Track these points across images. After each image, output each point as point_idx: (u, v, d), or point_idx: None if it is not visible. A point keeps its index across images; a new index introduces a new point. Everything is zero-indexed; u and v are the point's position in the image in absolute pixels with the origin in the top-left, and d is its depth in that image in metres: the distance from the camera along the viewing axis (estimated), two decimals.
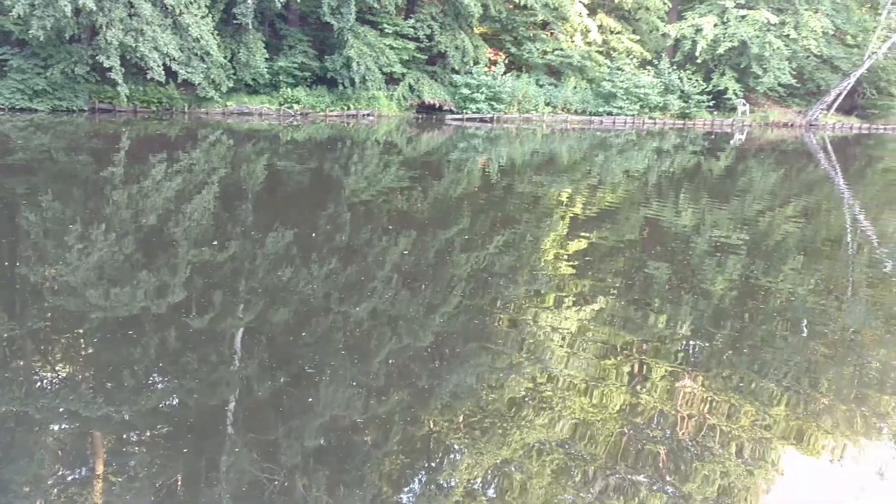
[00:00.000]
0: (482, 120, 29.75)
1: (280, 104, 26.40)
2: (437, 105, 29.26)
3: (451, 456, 4.64)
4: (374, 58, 26.46)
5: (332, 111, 27.16)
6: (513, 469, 4.56)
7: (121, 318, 6.51)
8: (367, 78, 26.40)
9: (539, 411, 5.24)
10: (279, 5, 24.59)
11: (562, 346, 6.47)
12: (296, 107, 26.45)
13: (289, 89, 26.38)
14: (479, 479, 4.44)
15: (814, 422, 5.41)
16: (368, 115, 27.64)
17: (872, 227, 14.04)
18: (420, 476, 4.46)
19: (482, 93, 29.27)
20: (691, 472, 4.66)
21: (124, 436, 4.62)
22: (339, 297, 7.37)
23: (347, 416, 5.01)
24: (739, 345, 6.88)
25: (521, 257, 9.70)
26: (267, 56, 25.35)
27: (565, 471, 4.55)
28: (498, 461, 4.62)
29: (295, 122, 25.41)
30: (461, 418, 5.08)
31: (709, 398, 5.62)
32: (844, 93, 39.10)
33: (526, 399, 5.43)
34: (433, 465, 4.56)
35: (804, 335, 7.27)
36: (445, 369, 5.90)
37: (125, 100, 23.32)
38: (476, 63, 29.66)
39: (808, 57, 37.39)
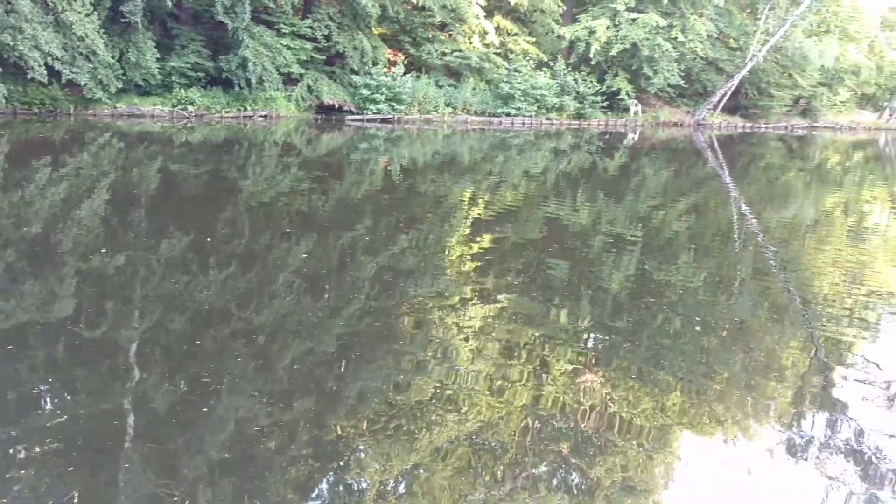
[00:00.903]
0: (383, 120, 29.67)
1: (173, 105, 25.53)
2: (337, 106, 28.98)
3: (359, 460, 4.60)
4: (271, 58, 25.97)
5: (228, 112, 26.47)
6: (422, 469, 4.56)
7: (3, 331, 6.14)
8: (263, 79, 25.87)
9: (446, 410, 5.26)
10: (170, 4, 23.80)
11: (467, 345, 6.52)
12: (190, 108, 25.65)
13: (182, 90, 25.55)
14: (388, 482, 4.42)
15: (707, 408, 5.64)
16: (266, 116, 27.11)
17: (757, 221, 14.78)
18: (328, 482, 4.40)
19: (382, 93, 29.18)
20: (596, 460, 4.78)
21: (12, 455, 4.35)
22: (238, 302, 7.19)
23: (251, 424, 4.89)
24: (637, 337, 7.12)
25: (425, 258, 9.72)
26: (158, 56, 24.46)
27: (474, 468, 4.58)
28: (407, 462, 4.61)
29: (189, 124, 24.64)
30: (368, 421, 5.05)
31: (610, 389, 5.78)
32: (729, 93, 41.03)
33: (433, 399, 5.44)
34: (341, 470, 4.50)
35: (696, 326, 7.58)
36: (351, 372, 5.85)
37: (3, 101, 22.00)
38: (375, 64, 29.55)
39: (695, 59, 39.00)
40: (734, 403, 5.75)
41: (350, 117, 29.24)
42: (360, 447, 4.72)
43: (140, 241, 9.37)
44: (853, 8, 46.55)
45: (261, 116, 27.00)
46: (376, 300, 7.62)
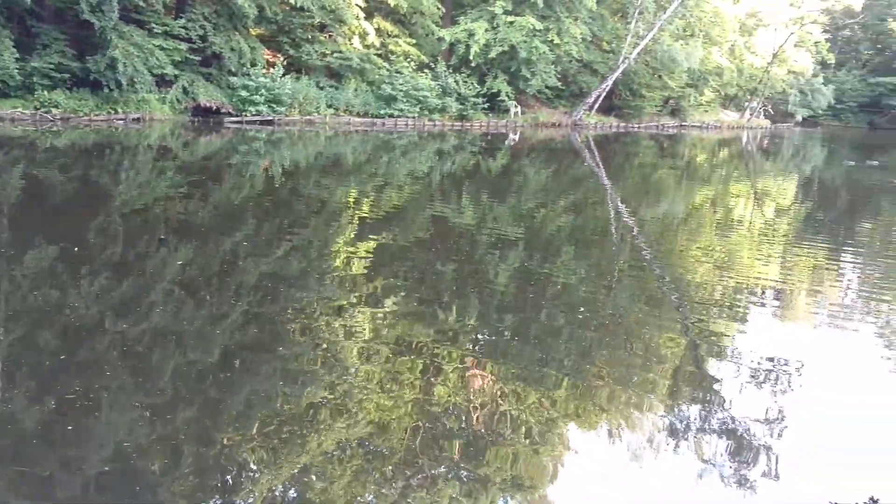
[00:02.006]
0: (263, 122, 29.01)
1: (36, 108, 24.06)
2: (215, 108, 28.10)
3: (248, 470, 4.47)
4: (143, 59, 24.89)
5: (97, 115, 25.18)
6: (313, 475, 4.47)
7: None
8: (135, 80, 24.76)
9: (336, 414, 5.19)
10: (28, 1, 22.44)
11: (355, 348, 6.46)
12: (55, 111, 24.24)
13: (45, 92, 24.10)
14: (279, 490, 4.31)
15: (591, 400, 5.82)
16: (139, 119, 25.98)
17: (632, 217, 15.39)
18: (215, 495, 4.25)
19: (261, 95, 28.53)
20: (486, 457, 4.83)
21: None
22: (113, 314, 6.84)
23: (131, 440, 4.66)
24: (523, 334, 7.26)
25: (310, 262, 9.57)
26: (17, 56, 23.00)
27: (366, 471, 4.54)
28: (297, 469, 4.51)
29: (55, 128, 23.29)
30: (255, 430, 4.91)
31: (498, 386, 5.86)
32: (603, 95, 42.57)
33: (322, 404, 5.36)
34: (229, 482, 4.36)
35: (579, 321, 7.80)
36: (236, 382, 5.67)
37: None
38: (254, 65, 28.86)
39: (571, 61, 40.20)
40: (616, 395, 5.95)
41: (229, 119, 28.44)
42: (248, 457, 4.58)
43: (1, 253, 8.76)
44: (715, 13, 49.27)
45: (133, 119, 25.84)
46: (260, 307, 7.44)
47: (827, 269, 11.37)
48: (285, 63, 30.76)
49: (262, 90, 28.66)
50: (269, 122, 29.22)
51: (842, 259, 12.30)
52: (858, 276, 11.08)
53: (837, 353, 7.39)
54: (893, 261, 12.33)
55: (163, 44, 25.93)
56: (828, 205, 20.21)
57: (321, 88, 31.98)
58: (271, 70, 29.69)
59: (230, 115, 28.54)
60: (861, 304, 9.31)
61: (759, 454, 5.08)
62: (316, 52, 32.01)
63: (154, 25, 25.95)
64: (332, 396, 5.49)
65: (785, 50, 57.24)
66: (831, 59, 62.73)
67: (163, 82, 26.73)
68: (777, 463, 4.98)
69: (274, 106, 29.19)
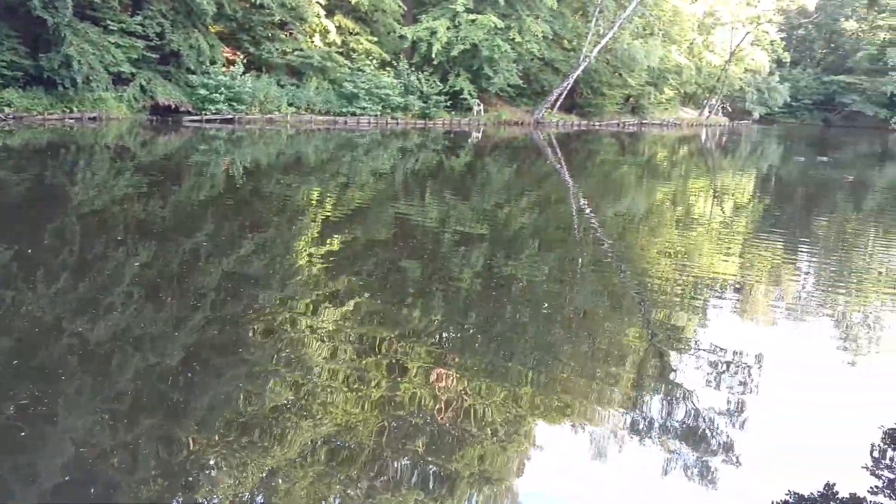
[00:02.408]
0: (223, 121, 28.65)
1: None
2: (174, 106, 27.67)
3: (212, 474, 4.41)
4: (99, 56, 24.41)
5: (51, 114, 24.65)
6: (279, 477, 4.43)
7: None
8: (91, 78, 24.28)
9: (301, 416, 5.15)
10: None
11: (320, 348, 6.41)
12: (7, 110, 23.66)
13: None
14: (243, 492, 4.26)
15: (556, 395, 5.86)
16: (95, 118, 25.49)
17: (594, 214, 15.52)
18: (178, 499, 4.18)
19: (221, 93, 28.17)
20: (453, 454, 4.83)
21: None
22: (72, 317, 6.71)
23: (92, 445, 4.57)
24: (488, 331, 7.28)
25: (272, 261, 9.48)
26: None
27: (331, 471, 4.51)
28: (262, 471, 4.47)
29: (7, 127, 22.75)
30: (220, 433, 4.85)
31: (464, 383, 5.87)
32: (565, 93, 42.85)
33: (287, 404, 5.31)
34: (193, 486, 4.29)
35: (543, 317, 7.85)
36: (199, 384, 5.59)
37: None
38: (213, 63, 28.50)
39: (533, 59, 40.39)
40: (580, 390, 5.99)
41: (188, 118, 28.04)
42: (212, 461, 4.52)
43: None
44: (674, 12, 49.94)
45: (89, 118, 25.35)
46: (222, 308, 7.35)
47: (785, 264, 11.59)
48: (245, 61, 30.45)
49: (222, 88, 28.32)
50: (230, 121, 28.89)
51: (799, 254, 12.54)
52: (815, 271, 11.31)
53: (795, 346, 7.53)
54: (848, 256, 12.60)
55: (119, 41, 25.46)
56: (785, 201, 20.59)
57: (282, 87, 31.70)
58: (231, 68, 29.35)
59: (189, 113, 28.15)
60: (818, 298, 9.51)
61: (721, 448, 5.16)
62: (276, 49, 31.71)
63: (110, 22, 25.47)
64: (296, 397, 5.45)
65: (742, 48, 58.23)
66: (787, 57, 64.02)
67: (119, 81, 26.26)
68: (738, 456, 5.06)
69: (234, 104, 28.86)
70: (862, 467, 4.99)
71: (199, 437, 4.78)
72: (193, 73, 28.08)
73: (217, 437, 4.79)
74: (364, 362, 6.17)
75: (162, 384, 5.53)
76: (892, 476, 4.93)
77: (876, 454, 5.21)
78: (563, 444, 5.18)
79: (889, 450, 5.28)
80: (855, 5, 68.57)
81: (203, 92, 27.98)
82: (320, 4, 32.31)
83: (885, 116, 68.05)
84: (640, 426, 5.42)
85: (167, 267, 8.76)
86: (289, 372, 5.88)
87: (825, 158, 34.92)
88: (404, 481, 4.52)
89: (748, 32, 57.83)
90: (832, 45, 75.49)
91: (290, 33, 32.61)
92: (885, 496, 4.66)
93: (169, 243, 9.99)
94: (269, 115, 30.46)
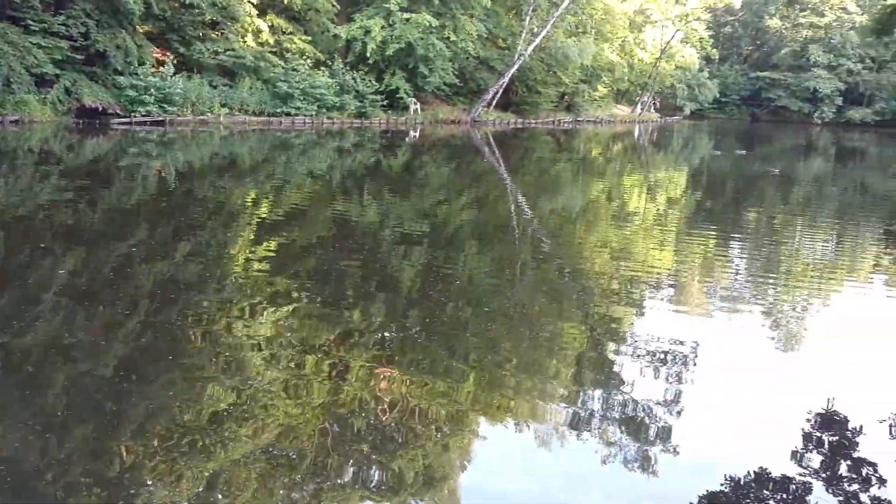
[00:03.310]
0: (153, 123, 27.98)
1: None
2: (101, 109, 26.87)
3: (148, 485, 4.28)
4: (19, 57, 23.55)
5: None
6: (220, 485, 4.33)
7: None
8: (11, 80, 23.42)
9: (242, 421, 5.05)
10: None
11: (259, 353, 6.30)
12: None
13: None
14: (182, 502, 4.15)
15: (498, 391, 5.88)
16: (17, 121, 24.58)
17: (532, 211, 15.67)
18: None
19: (151, 94, 27.50)
20: (397, 454, 4.80)
21: None
22: None
23: (21, 459, 4.39)
24: (429, 329, 7.26)
25: (208, 265, 9.28)
26: None
27: (274, 477, 4.44)
28: (202, 480, 4.36)
29: None
30: (156, 443, 4.71)
31: (406, 383, 5.84)
32: (500, 91, 43.17)
33: (227, 411, 5.20)
34: (130, 497, 4.16)
35: (484, 314, 7.88)
36: (134, 392, 5.43)
37: None
38: (142, 63, 27.79)
39: (468, 58, 40.58)
40: (522, 384, 6.04)
41: (116, 121, 27.29)
42: (149, 471, 4.40)
43: None
44: (605, 10, 50.80)
45: (11, 122, 24.43)
46: (157, 314, 7.16)
47: (716, 256, 11.90)
48: (176, 61, 29.77)
49: (152, 90, 27.64)
50: (161, 123, 28.23)
51: (730, 246, 12.89)
52: (745, 262, 11.63)
53: (728, 336, 7.73)
54: (776, 247, 13.00)
55: (41, 41, 24.61)
56: (715, 195, 21.14)
57: (214, 87, 31.12)
58: (161, 69, 28.66)
59: (118, 116, 27.40)
60: (749, 288, 9.78)
61: (660, 437, 5.26)
62: (208, 50, 31.10)
63: (31, 22, 24.61)
64: (236, 403, 5.34)
65: (672, 46, 59.63)
66: (715, 54, 65.85)
67: (43, 82, 25.39)
68: (676, 445, 5.16)
69: (165, 106, 28.21)
70: (793, 451, 5.14)
71: (135, 447, 4.65)
72: (121, 74, 27.34)
73: (153, 447, 4.66)
74: (305, 365, 6.09)
75: (94, 394, 5.36)
76: (821, 458, 5.10)
77: (806, 438, 5.38)
78: (506, 438, 5.20)
79: (817, 433, 5.46)
80: (778, 3, 70.85)
81: (132, 93, 27.27)
82: (252, 4, 31.82)
83: (809, 111, 70.59)
84: (581, 419, 5.49)
85: (97, 274, 8.50)
86: (227, 377, 5.76)
87: (743, 152, 36.18)
88: (349, 483, 4.48)
89: (678, 30, 59.26)
90: (758, 42, 77.88)
91: (222, 33, 32.03)
92: (814, 478, 4.82)
93: (99, 249, 9.69)
94: (201, 117, 29.87)
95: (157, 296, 7.76)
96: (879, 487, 4.73)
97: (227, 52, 31.51)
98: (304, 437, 4.93)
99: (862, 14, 65.12)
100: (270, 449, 4.76)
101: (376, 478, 4.57)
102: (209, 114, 30.19)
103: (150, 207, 13.26)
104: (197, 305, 7.50)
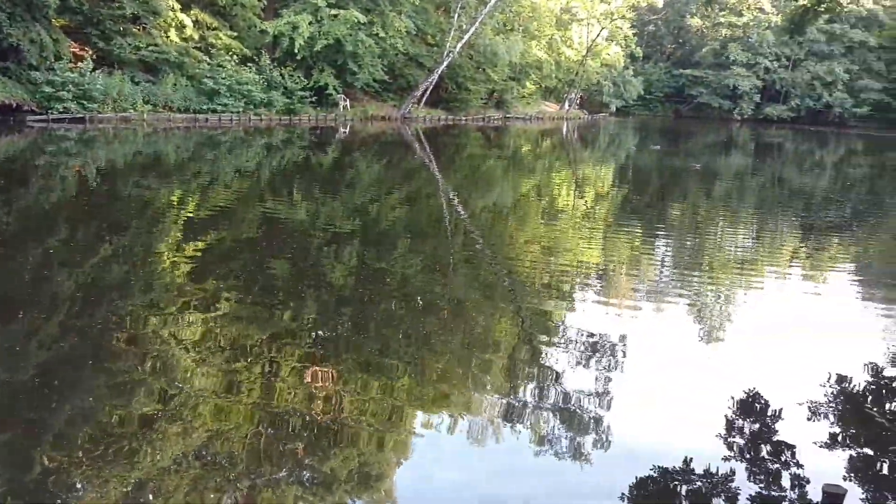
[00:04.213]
0: (72, 120, 26.99)
1: None
2: (15, 105, 25.79)
3: (74, 492, 4.15)
4: None
5: None
6: (148, 492, 4.23)
7: None
8: None
9: (171, 425, 4.94)
10: None
11: (188, 355, 6.17)
12: None
13: None
14: None
15: (432, 387, 5.90)
16: None
17: (464, 208, 15.75)
18: None
19: (69, 91, 26.51)
20: (331, 453, 4.77)
21: None
22: None
23: None
24: (363, 327, 7.24)
25: (133, 267, 9.03)
26: None
27: (206, 480, 4.36)
28: (129, 486, 4.25)
29: None
30: (81, 450, 4.57)
31: (341, 382, 5.81)
32: (430, 88, 43.20)
33: (155, 415, 5.08)
34: None
35: (417, 310, 7.89)
36: (56, 399, 5.25)
37: None
38: (58, 58, 26.76)
39: (397, 55, 40.44)
40: (456, 380, 6.07)
41: (32, 118, 26.23)
42: (74, 479, 4.26)
43: None
44: (532, 8, 51.36)
45: None
46: (80, 318, 6.93)
47: (643, 250, 12.18)
48: (95, 57, 28.76)
49: (70, 86, 26.66)
50: (80, 121, 27.26)
51: (655, 240, 13.21)
52: (671, 256, 11.94)
53: (655, 328, 7.93)
54: (699, 240, 13.39)
55: None
56: (641, 189, 21.64)
57: (137, 83, 30.22)
58: (80, 64, 27.67)
59: (34, 113, 26.34)
60: (674, 281, 10.06)
61: (592, 427, 5.37)
62: (129, 45, 30.15)
63: None
64: (165, 406, 5.22)
65: (598, 44, 60.70)
66: (639, 52, 67.35)
67: None
68: (607, 433, 5.28)
69: (84, 103, 27.24)
70: (717, 439, 5.32)
71: (58, 456, 4.50)
72: (36, 69, 26.28)
73: (78, 454, 4.51)
74: (235, 367, 5.99)
75: (14, 400, 5.16)
76: (742, 442, 5.28)
77: (729, 424, 5.57)
78: (441, 434, 5.23)
79: (740, 421, 5.66)
80: (699, 2, 72.84)
81: (48, 90, 26.25)
82: None
83: (729, 108, 72.85)
84: (515, 412, 5.55)
85: (14, 278, 8.17)
86: (155, 380, 5.62)
87: (657, 147, 37.31)
88: (283, 484, 4.42)
89: (603, 28, 60.34)
90: (680, 40, 79.91)
91: (144, 28, 31.10)
92: (737, 461, 4.99)
93: (15, 252, 9.32)
94: (123, 114, 28.96)
95: (79, 299, 7.52)
96: (797, 469, 4.94)
97: (150, 48, 30.61)
98: (236, 438, 4.85)
99: (777, 14, 67.47)
100: (202, 451, 4.67)
101: (311, 478, 4.53)
102: (132, 111, 29.29)
103: (70, 208, 12.81)
104: (121, 308, 7.29)
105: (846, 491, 4.07)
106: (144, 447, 4.66)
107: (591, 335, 7.26)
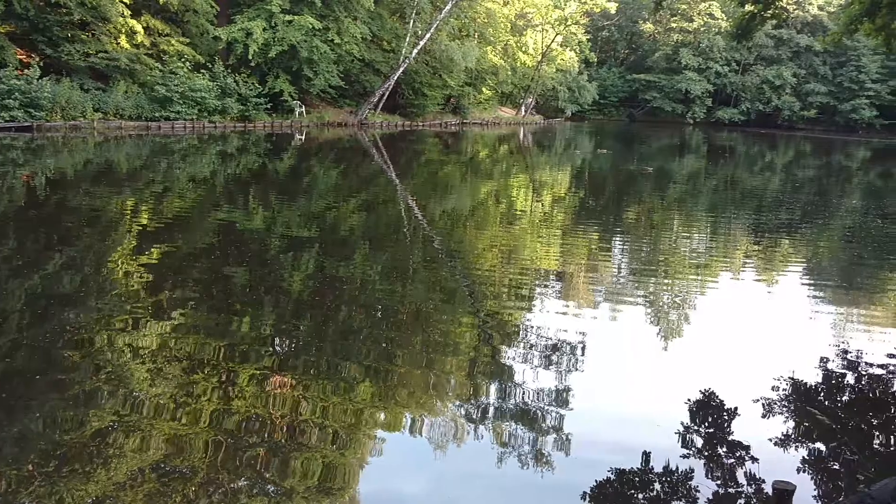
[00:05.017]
0: (19, 129, 26.34)
1: None
2: None
3: None
4: None
5: None
6: None
7: None
8: None
9: (127, 439, 4.84)
10: None
11: (144, 366, 6.05)
12: None
13: None
14: None
15: (393, 395, 5.88)
16: None
17: (422, 213, 15.74)
18: None
19: (16, 99, 25.89)
20: (291, 465, 4.72)
21: None
22: None
23: None
24: (322, 334, 7.18)
25: (86, 278, 8.83)
26: None
27: (165, 494, 4.27)
28: (85, 501, 4.14)
29: None
30: (33, 465, 4.45)
31: (300, 390, 5.75)
32: (387, 94, 43.16)
33: (111, 429, 4.97)
34: None
35: (377, 317, 7.85)
36: (5, 415, 5.10)
37: None
38: (3, 65, 26.13)
39: (353, 61, 40.34)
40: (418, 383, 6.06)
41: None
42: (24, 498, 4.14)
43: None
44: (487, 14, 51.64)
45: None
46: (30, 331, 6.76)
47: (600, 252, 12.30)
48: (42, 64, 28.14)
49: (16, 93, 26.04)
50: (27, 129, 26.63)
51: (612, 242, 13.36)
52: (627, 257, 12.08)
53: (613, 328, 8.01)
54: (655, 241, 13.57)
55: None
56: (597, 193, 21.87)
57: (86, 91, 29.63)
58: (26, 71, 27.05)
59: None
60: (631, 282, 10.18)
61: (552, 429, 5.40)
62: (78, 51, 29.55)
63: None
64: (120, 420, 5.11)
65: (553, 49, 61.29)
66: (593, 58, 68.26)
67: None
68: (567, 435, 5.31)
69: (31, 111, 26.63)
70: (674, 437, 5.39)
71: (9, 472, 4.37)
72: None
73: (30, 470, 4.39)
74: (192, 378, 5.90)
75: None
76: (700, 442, 5.36)
77: (686, 423, 5.65)
78: (404, 440, 5.21)
79: (696, 420, 5.74)
80: (651, 9, 74.02)
81: None
82: (125, 4, 30.44)
83: (682, 111, 74.17)
84: (476, 417, 5.56)
85: None
86: (110, 394, 5.50)
87: (605, 151, 37.91)
88: (244, 494, 4.36)
89: (557, 34, 60.95)
90: (633, 45, 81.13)
91: (93, 34, 30.52)
92: (694, 459, 5.06)
93: None
94: (73, 122, 28.36)
95: (29, 312, 7.33)
96: (753, 463, 5.03)
97: (100, 54, 30.04)
98: (194, 451, 4.77)
99: (727, 20, 68.90)
100: (160, 465, 4.58)
101: (272, 489, 4.47)
102: (81, 119, 28.70)
103: (19, 218, 12.49)
104: (74, 320, 7.13)
105: (795, 487, 4.15)
106: (99, 462, 4.56)
107: (550, 338, 7.31)
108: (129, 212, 13.65)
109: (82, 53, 29.67)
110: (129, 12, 30.75)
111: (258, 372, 6.06)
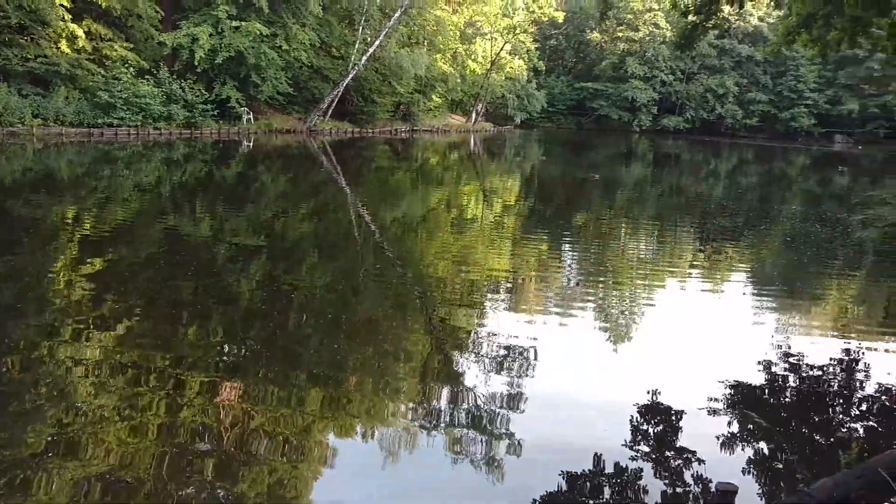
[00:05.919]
0: None
1: None
2: None
3: None
4: None
5: None
6: None
7: None
8: None
9: (67, 456, 4.70)
10: None
11: (87, 380, 5.90)
12: None
13: None
14: None
15: (344, 405, 5.83)
16: None
17: (373, 220, 15.68)
18: None
19: None
20: (241, 476, 4.65)
21: None
22: None
23: None
24: (272, 344, 7.09)
25: (25, 289, 8.58)
26: None
27: None
28: None
29: None
30: None
31: (250, 400, 5.67)
32: (336, 100, 42.95)
33: (50, 445, 4.82)
34: None
35: (327, 327, 7.79)
36: None
37: None
38: None
39: (302, 67, 40.07)
40: (369, 392, 6.02)
41: None
42: None
43: None
44: (436, 22, 51.79)
45: None
46: None
47: (550, 258, 12.41)
48: None
49: None
50: None
51: (561, 248, 13.49)
52: (576, 263, 12.21)
53: (563, 334, 8.08)
54: (603, 247, 13.75)
55: None
56: (547, 200, 22.07)
57: (25, 96, 28.86)
58: None
59: None
60: (580, 287, 10.29)
61: (505, 435, 5.41)
62: (15, 56, 28.77)
63: None
64: (61, 434, 4.96)
65: (502, 57, 61.75)
66: (542, 66, 68.91)
67: None
68: (520, 442, 5.33)
69: None
70: (624, 441, 5.46)
71: None
72: None
73: None
74: (138, 390, 5.76)
75: None
76: (649, 445, 5.44)
77: (635, 429, 5.73)
78: (356, 450, 5.17)
79: (645, 423, 5.83)
80: (597, 19, 75.15)
81: None
82: (66, 8, 29.75)
83: (629, 119, 75.40)
84: (429, 423, 5.54)
85: None
86: (51, 408, 5.34)
87: (543, 157, 38.52)
88: None
89: (506, 42, 61.44)
90: (581, 54, 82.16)
91: (32, 38, 29.74)
92: (643, 461, 5.13)
93: None
94: (10, 129, 27.59)
95: None
96: (699, 465, 5.12)
97: (39, 59, 29.28)
98: (140, 464, 4.66)
99: (671, 30, 70.35)
100: (103, 481, 4.46)
101: (222, 494, 4.39)
102: (20, 125, 27.94)
103: None
104: (11, 332, 6.91)
105: (737, 488, 4.25)
106: (39, 478, 4.42)
107: (501, 344, 7.34)
108: (70, 221, 13.31)
109: (21, 58, 28.91)
110: (70, 16, 30.05)
111: (206, 382, 5.96)
